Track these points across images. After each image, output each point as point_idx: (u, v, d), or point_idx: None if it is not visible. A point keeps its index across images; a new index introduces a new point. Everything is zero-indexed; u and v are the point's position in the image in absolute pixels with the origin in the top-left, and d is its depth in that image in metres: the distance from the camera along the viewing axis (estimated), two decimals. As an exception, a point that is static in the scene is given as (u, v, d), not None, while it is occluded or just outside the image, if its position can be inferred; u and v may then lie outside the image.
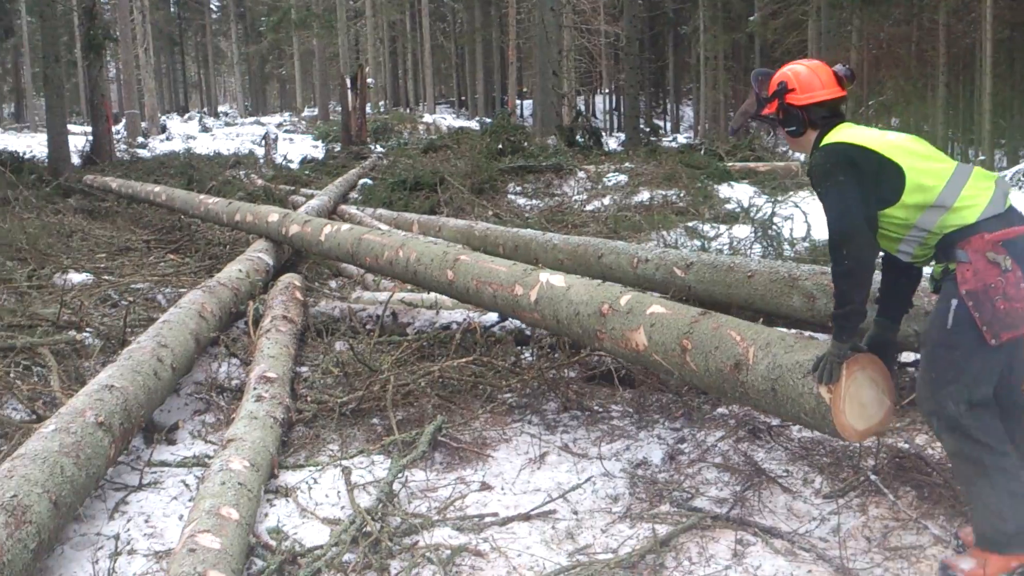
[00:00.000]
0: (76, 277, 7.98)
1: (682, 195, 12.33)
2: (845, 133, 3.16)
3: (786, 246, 8.50)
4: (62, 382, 5.13)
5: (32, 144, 24.18)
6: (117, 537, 3.63)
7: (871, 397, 3.10)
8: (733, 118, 3.68)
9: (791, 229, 8.95)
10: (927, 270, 3.27)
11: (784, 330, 3.55)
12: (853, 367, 3.05)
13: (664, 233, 9.88)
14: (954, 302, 2.90)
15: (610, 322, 4.27)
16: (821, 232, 8.81)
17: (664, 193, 12.39)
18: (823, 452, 4.24)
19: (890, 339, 3.35)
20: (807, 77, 3.27)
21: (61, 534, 3.46)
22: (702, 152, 17.16)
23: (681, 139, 22.97)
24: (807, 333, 4.66)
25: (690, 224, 10.34)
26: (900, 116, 29.43)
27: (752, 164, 15.18)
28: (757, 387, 3.40)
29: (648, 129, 27.74)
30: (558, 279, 4.87)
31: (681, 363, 3.82)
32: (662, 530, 3.61)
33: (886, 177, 3.00)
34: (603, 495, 4.02)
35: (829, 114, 3.26)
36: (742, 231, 9.30)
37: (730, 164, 15.07)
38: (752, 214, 10.34)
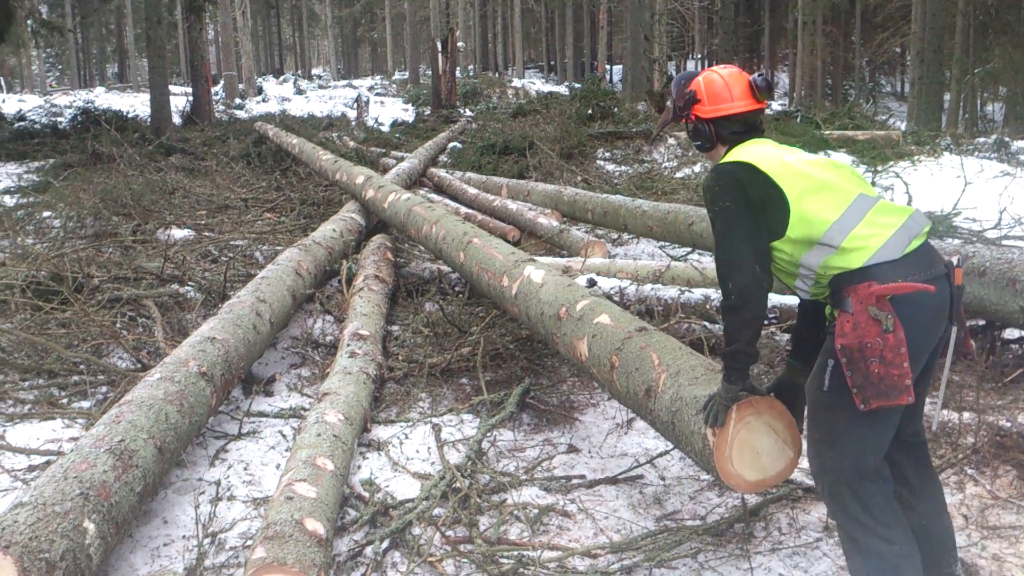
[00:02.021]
0: (178, 233, 8.24)
1: (776, 164, 12.02)
2: (744, 152, 2.83)
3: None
4: (165, 333, 5.33)
5: (135, 104, 24.91)
6: (218, 483, 3.78)
7: (768, 446, 2.77)
8: (656, 127, 3.28)
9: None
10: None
11: (701, 358, 3.24)
12: (746, 411, 2.73)
13: (757, 202, 9.65)
14: (831, 362, 2.57)
15: (564, 327, 4.07)
16: (923, 203, 8.54)
17: (758, 161, 12.10)
18: (920, 428, 4.14)
19: (800, 383, 2.89)
20: (718, 89, 2.94)
21: (165, 479, 3.62)
22: (798, 120, 16.71)
23: (776, 106, 22.29)
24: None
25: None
26: (1008, 85, 28.16)
27: (851, 132, 14.71)
28: (661, 418, 3.14)
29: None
30: (538, 275, 4.64)
31: (609, 380, 3.58)
32: (752, 500, 3.59)
33: (772, 206, 2.67)
34: (691, 463, 4.00)
35: (742, 128, 2.94)
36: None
37: (828, 132, 14.65)
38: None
